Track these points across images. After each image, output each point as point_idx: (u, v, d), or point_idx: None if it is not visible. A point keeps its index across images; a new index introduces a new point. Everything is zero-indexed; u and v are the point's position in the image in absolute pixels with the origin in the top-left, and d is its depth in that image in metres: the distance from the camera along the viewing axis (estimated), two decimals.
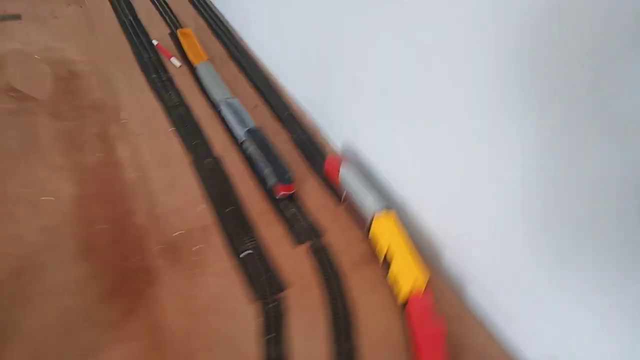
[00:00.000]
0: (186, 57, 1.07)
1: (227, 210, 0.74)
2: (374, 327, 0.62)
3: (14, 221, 0.68)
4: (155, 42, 1.10)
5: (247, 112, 0.88)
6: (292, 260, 0.69)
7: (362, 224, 0.74)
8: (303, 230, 0.73)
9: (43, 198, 0.72)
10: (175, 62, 1.05)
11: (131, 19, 1.19)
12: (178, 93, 0.97)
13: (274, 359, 0.57)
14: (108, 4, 1.24)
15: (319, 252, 0.70)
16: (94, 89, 0.94)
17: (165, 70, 1.03)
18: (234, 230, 0.71)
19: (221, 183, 0.79)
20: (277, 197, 0.77)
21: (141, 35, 1.13)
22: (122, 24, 1.16)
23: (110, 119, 0.88)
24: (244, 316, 0.61)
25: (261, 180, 0.80)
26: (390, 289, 0.66)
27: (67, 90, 0.93)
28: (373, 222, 0.70)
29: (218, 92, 0.93)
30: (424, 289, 0.63)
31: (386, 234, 0.68)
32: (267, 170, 0.77)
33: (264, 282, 0.65)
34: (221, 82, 0.96)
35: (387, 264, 0.67)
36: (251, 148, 0.81)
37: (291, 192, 0.77)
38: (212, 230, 0.71)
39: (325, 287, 0.66)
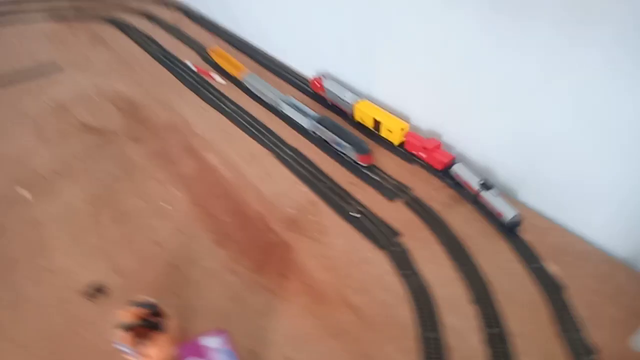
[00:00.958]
0: (224, 72, 1.17)
1: (323, 185, 0.85)
2: (483, 248, 0.73)
3: (150, 230, 0.76)
4: (190, 64, 1.20)
5: (305, 105, 0.99)
6: (394, 213, 0.80)
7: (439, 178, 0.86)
8: (392, 188, 0.84)
9: (163, 204, 0.80)
10: (217, 78, 1.15)
11: (159, 50, 1.27)
12: (234, 102, 1.07)
13: (417, 287, 0.68)
14: (130, 41, 1.32)
15: (413, 203, 0.82)
16: (160, 113, 1.03)
17: (212, 87, 1.13)
18: (336, 200, 0.82)
19: (308, 165, 0.89)
20: (362, 166, 0.88)
21: (176, 62, 1.22)
22: (154, 56, 1.25)
23: (187, 134, 0.97)
24: (376, 261, 0.72)
25: (340, 157, 0.91)
26: (483, 221, 0.78)
27: (136, 118, 1.01)
28: (355, 109, 0.97)
29: (272, 95, 1.04)
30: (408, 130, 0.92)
31: (367, 112, 0.94)
32: (347, 147, 0.88)
33: (381, 232, 0.76)
34: (270, 85, 1.07)
35: (377, 129, 0.94)
36: (325, 132, 0.92)
37: (371, 161, 0.88)
38: (318, 203, 0.82)
39: (430, 227, 0.77)
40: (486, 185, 0.79)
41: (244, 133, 0.98)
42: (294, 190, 0.84)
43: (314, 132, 0.96)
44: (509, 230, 0.75)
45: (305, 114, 0.97)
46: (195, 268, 0.70)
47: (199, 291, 0.67)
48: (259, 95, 1.08)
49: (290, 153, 0.92)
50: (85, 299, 0.66)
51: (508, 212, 0.75)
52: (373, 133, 0.96)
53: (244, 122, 1.01)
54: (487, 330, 0.63)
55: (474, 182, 0.80)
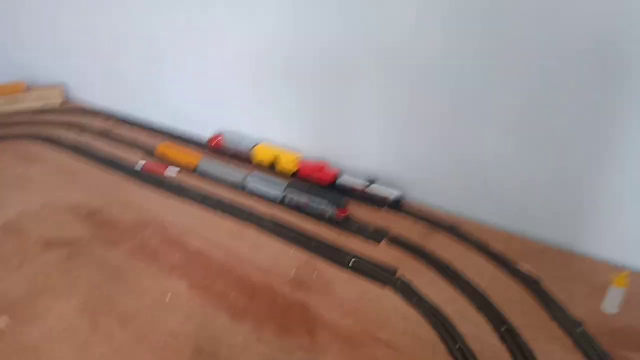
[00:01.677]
0: (178, 166, 1.21)
1: (312, 244, 0.91)
2: (466, 265, 0.84)
3: (160, 323, 0.75)
4: (141, 165, 1.21)
5: (270, 176, 1.07)
6: (383, 254, 0.88)
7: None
8: (373, 232, 0.93)
9: (163, 297, 0.79)
10: (172, 170, 1.18)
11: (99, 156, 1.27)
12: (195, 189, 1.10)
13: (428, 310, 0.76)
14: (65, 153, 1.30)
15: (395, 241, 0.91)
16: (124, 214, 1.02)
17: (168, 180, 1.15)
18: (329, 253, 0.88)
19: (290, 231, 0.95)
20: (339, 220, 0.96)
21: (120, 164, 1.23)
22: (97, 163, 1.24)
23: (160, 228, 0.98)
24: (385, 297, 0.79)
25: (318, 215, 0.98)
26: (459, 245, 0.90)
27: (101, 223, 0.99)
28: (254, 152, 1.18)
29: (236, 174, 1.10)
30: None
31: (266, 152, 1.17)
32: (324, 204, 0.96)
33: (380, 272, 0.83)
34: (229, 166, 1.13)
35: (275, 164, 1.14)
36: (297, 197, 1.00)
37: (347, 213, 0.97)
38: (313, 260, 0.87)
39: (421, 257, 0.87)
40: (370, 181, 1.00)
41: (215, 215, 1.02)
42: (286, 254, 0.89)
43: (282, 201, 1.03)
44: (394, 206, 1.00)
45: (275, 185, 1.04)
46: (222, 347, 0.70)
47: None
48: (218, 180, 1.13)
49: (269, 222, 0.98)
50: None
51: (391, 194, 0.99)
52: (272, 168, 1.16)
53: (212, 205, 1.04)
54: (498, 330, 0.72)
55: (359, 184, 1.02)
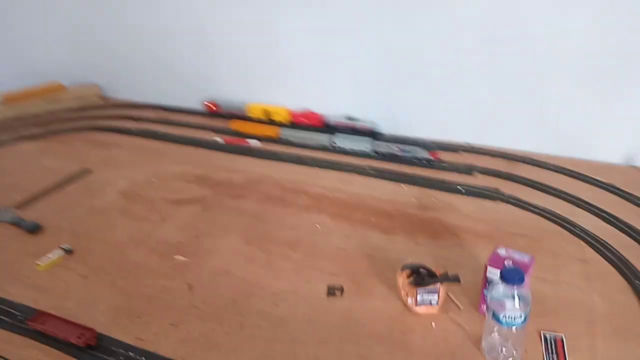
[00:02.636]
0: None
1: (417, 181, 1.05)
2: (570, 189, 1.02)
3: (324, 243, 0.86)
4: (219, 139, 1.30)
5: (354, 135, 1.21)
6: (480, 181, 1.04)
7: None
8: (463, 167, 1.09)
9: (318, 226, 0.90)
10: (254, 142, 1.28)
11: (174, 137, 1.33)
12: (289, 154, 1.21)
13: (542, 209, 0.92)
14: (139, 138, 1.35)
15: (485, 171, 1.08)
16: (234, 175, 1.11)
17: (254, 149, 1.25)
18: (436, 185, 1.03)
19: (392, 173, 1.09)
20: (431, 161, 1.11)
21: (201, 141, 1.30)
22: (174, 142, 1.30)
23: (275, 182, 1.07)
24: (501, 207, 0.95)
25: (409, 160, 1.13)
26: None
27: (216, 184, 1.07)
28: (248, 109, 1.37)
29: (320, 137, 1.22)
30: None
31: (258, 108, 1.35)
32: (417, 150, 1.11)
33: (487, 192, 0.99)
34: (309, 132, 1.25)
35: (268, 116, 1.33)
36: (389, 148, 1.14)
37: (437, 155, 1.13)
38: (425, 191, 1.02)
39: (513, 180, 1.03)
40: (350, 118, 1.24)
41: (316, 170, 1.13)
42: (399, 190, 1.03)
43: (376, 152, 1.16)
44: (375, 136, 1.21)
45: (361, 141, 1.18)
46: (389, 252, 0.82)
47: None
48: (303, 143, 1.25)
49: (370, 170, 1.11)
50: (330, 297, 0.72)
51: (373, 126, 1.22)
52: (267, 122, 1.35)
53: (309, 163, 1.16)
54: (601, 217, 0.90)
55: (348, 122, 1.25)
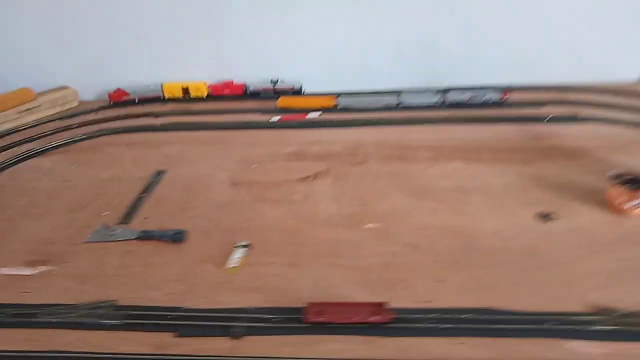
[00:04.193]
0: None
1: (503, 119, 1.13)
2: None
3: (488, 182, 0.89)
4: (275, 119, 1.22)
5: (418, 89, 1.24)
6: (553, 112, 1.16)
7: None
8: (530, 103, 1.20)
9: (464, 172, 0.93)
10: (313, 114, 1.23)
11: (215, 124, 1.21)
12: (356, 119, 1.19)
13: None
14: (176, 132, 1.19)
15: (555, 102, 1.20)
16: (327, 149, 1.06)
17: (316, 122, 1.20)
18: (525, 120, 1.12)
19: (481, 118, 1.15)
20: (501, 102, 1.20)
21: (255, 124, 1.21)
22: (218, 129, 1.19)
23: (373, 147, 1.06)
24: (588, 127, 1.07)
25: (480, 104, 1.20)
26: None
27: (334, 157, 1.02)
28: (164, 89, 1.35)
29: (382, 98, 1.23)
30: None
31: (174, 87, 1.35)
32: (488, 93, 1.19)
33: (569, 118, 1.11)
34: (367, 95, 1.25)
35: (187, 94, 1.34)
36: (459, 96, 1.20)
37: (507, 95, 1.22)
38: (519, 126, 1.10)
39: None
40: (274, 81, 1.32)
41: (400, 128, 1.14)
42: (496, 127, 1.10)
43: (444, 103, 1.22)
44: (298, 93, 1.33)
45: (428, 94, 1.22)
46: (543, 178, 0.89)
47: None
48: (364, 107, 1.24)
49: (457, 118, 1.15)
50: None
51: (295, 85, 1.32)
52: (184, 99, 1.36)
53: (382, 123, 1.16)
54: None
55: (267, 85, 1.33)
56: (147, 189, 0.94)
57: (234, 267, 0.71)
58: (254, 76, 1.36)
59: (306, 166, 0.99)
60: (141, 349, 0.59)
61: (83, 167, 1.05)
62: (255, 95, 1.33)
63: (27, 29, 1.35)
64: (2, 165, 1.07)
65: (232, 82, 1.35)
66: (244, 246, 0.75)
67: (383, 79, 1.33)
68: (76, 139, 1.18)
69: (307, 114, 1.23)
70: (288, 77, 1.36)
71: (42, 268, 0.74)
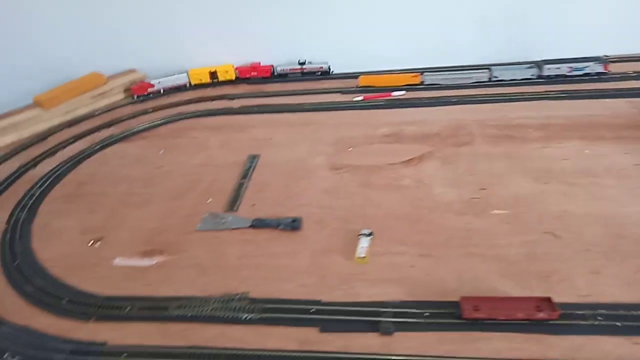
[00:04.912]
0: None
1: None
2: None
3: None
4: (359, 98, 1.16)
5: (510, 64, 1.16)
6: None
7: None
8: (633, 75, 1.11)
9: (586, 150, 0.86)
10: (398, 93, 1.16)
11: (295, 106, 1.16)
12: (447, 97, 1.12)
13: None
14: (266, 115, 1.15)
15: None
16: (426, 129, 1.01)
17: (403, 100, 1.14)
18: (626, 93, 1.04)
19: (577, 92, 1.07)
20: (603, 73, 1.12)
21: (333, 104, 1.16)
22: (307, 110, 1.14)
23: (475, 126, 0.99)
24: None
25: (579, 77, 1.12)
26: None
27: (422, 139, 0.97)
28: (190, 76, 1.30)
29: (473, 73, 1.16)
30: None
31: (200, 72, 1.30)
32: (590, 64, 1.11)
33: None
34: (453, 72, 1.18)
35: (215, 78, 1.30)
36: (557, 70, 1.12)
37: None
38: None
39: None
40: (302, 62, 1.28)
41: (502, 103, 1.07)
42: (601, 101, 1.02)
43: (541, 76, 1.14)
44: (327, 73, 1.28)
45: (518, 66, 1.14)
46: None
47: None
48: (452, 84, 1.17)
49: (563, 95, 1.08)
50: None
51: (323, 66, 1.27)
52: (213, 84, 1.31)
53: (477, 101, 1.09)
54: None
55: (296, 67, 1.29)
56: (246, 174, 0.90)
57: (364, 257, 0.67)
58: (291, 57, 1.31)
59: (406, 148, 0.94)
60: (287, 344, 0.56)
61: (170, 153, 1.02)
62: (283, 76, 1.30)
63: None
64: (87, 152, 1.05)
65: (259, 64, 1.31)
66: (368, 235, 0.70)
67: (465, 55, 1.25)
68: (156, 123, 1.15)
69: (391, 93, 1.17)
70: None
71: (159, 258, 0.72)
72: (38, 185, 0.94)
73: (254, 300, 0.62)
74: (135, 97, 1.29)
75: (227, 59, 1.33)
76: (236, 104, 1.22)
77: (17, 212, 0.86)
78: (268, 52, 1.33)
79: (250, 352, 0.55)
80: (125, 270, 0.71)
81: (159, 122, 1.16)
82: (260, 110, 1.16)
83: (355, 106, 1.14)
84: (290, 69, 1.30)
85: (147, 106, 1.25)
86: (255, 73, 1.31)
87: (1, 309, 0.65)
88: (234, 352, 0.56)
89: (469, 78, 1.16)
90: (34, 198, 0.90)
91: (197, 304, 0.62)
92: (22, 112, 1.17)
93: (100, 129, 1.16)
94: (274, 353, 0.55)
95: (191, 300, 0.63)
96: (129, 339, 0.59)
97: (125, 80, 1.35)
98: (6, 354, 0.58)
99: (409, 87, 1.18)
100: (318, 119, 1.10)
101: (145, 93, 1.30)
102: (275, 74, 1.32)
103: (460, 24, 1.24)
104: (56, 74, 1.29)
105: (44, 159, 1.05)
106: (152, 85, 1.30)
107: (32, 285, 0.69)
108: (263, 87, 1.29)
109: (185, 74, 1.31)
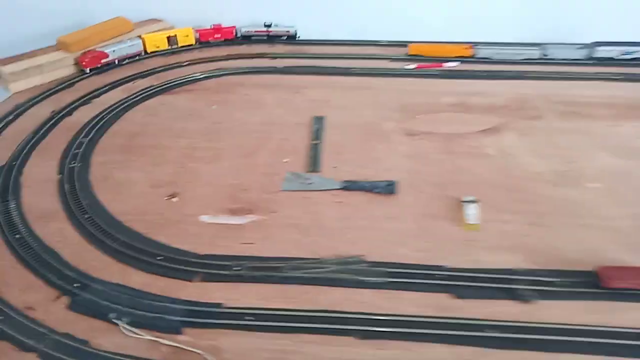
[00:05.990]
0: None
1: None
2: None
3: None
4: (411, 66, 1.12)
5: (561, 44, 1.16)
6: None
7: None
8: None
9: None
10: (449, 65, 1.13)
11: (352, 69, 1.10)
12: (505, 71, 1.11)
13: None
14: (318, 76, 1.09)
15: None
16: (495, 100, 0.99)
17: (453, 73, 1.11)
18: None
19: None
20: None
21: (391, 71, 1.11)
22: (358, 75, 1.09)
23: (542, 99, 0.98)
24: None
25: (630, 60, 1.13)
26: None
27: (492, 110, 0.94)
28: (144, 42, 1.16)
29: (523, 50, 1.15)
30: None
31: (157, 37, 1.18)
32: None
33: None
34: (507, 46, 1.16)
35: (174, 43, 1.19)
36: (608, 52, 1.12)
37: None
38: None
39: None
40: (268, 25, 1.23)
41: (560, 81, 1.06)
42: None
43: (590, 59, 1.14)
44: (293, 38, 1.25)
45: (570, 46, 1.13)
46: None
47: None
48: (504, 58, 1.15)
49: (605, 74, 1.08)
50: None
51: (291, 28, 1.24)
52: (172, 50, 1.19)
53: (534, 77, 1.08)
54: None
55: (261, 29, 1.24)
56: (317, 136, 0.85)
57: (474, 223, 0.65)
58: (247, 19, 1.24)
59: (477, 118, 0.91)
60: (424, 310, 0.53)
61: (224, 109, 0.95)
62: (247, 38, 1.24)
63: None
64: (128, 101, 0.96)
65: (221, 26, 1.23)
66: (472, 202, 0.68)
67: (512, 31, 1.24)
68: (198, 77, 1.07)
69: (442, 64, 1.14)
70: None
71: (252, 217, 0.66)
72: (83, 135, 0.85)
73: (374, 264, 0.59)
74: (89, 70, 1.08)
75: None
76: (278, 63, 1.15)
77: (67, 161, 0.78)
78: (228, 13, 1.24)
79: (386, 318, 0.52)
80: (215, 228, 0.65)
81: (202, 75, 1.07)
82: (309, 71, 1.10)
83: (409, 73, 1.10)
84: (255, 31, 1.24)
85: (182, 58, 1.16)
86: (219, 35, 1.23)
87: (84, 264, 0.58)
88: (369, 316, 0.52)
89: (520, 54, 1.15)
90: (82, 147, 0.81)
91: (312, 266, 0.58)
92: (46, 53, 1.05)
93: (133, 79, 1.06)
94: (414, 319, 0.52)
95: (305, 261, 0.59)
96: (245, 301, 0.54)
97: (154, 28, 1.24)
98: (111, 315, 0.51)
99: (461, 59, 1.16)
100: (375, 84, 1.05)
101: (100, 64, 1.09)
102: (239, 35, 1.25)
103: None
104: (78, 16, 1.17)
105: (79, 106, 0.95)
106: (107, 56, 1.10)
107: (113, 240, 0.62)
108: (304, 49, 1.22)
109: (139, 42, 1.15)
